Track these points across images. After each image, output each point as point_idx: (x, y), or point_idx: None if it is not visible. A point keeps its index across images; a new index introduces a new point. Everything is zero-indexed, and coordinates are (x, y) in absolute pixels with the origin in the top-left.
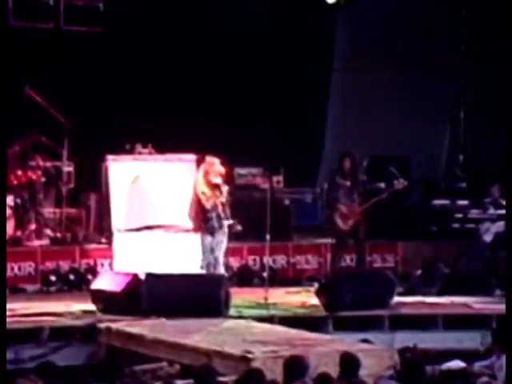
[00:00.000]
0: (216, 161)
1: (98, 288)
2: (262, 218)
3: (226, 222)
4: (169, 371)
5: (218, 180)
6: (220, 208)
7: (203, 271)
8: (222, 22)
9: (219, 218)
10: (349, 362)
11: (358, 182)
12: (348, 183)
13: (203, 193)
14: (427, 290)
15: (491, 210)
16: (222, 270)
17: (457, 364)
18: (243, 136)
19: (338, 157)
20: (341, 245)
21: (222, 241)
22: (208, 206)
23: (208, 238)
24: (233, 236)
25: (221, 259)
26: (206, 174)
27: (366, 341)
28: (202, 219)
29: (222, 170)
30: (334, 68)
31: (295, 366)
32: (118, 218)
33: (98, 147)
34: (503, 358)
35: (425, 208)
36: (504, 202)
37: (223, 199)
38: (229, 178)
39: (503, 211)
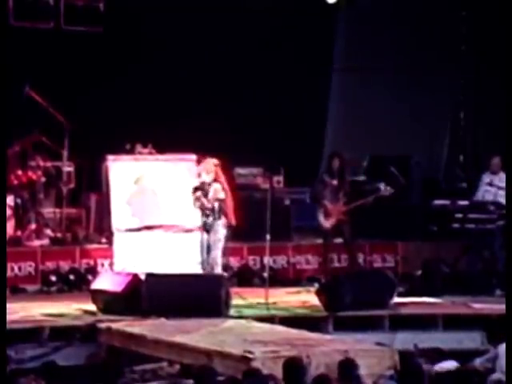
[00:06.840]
0: (209, 161)
1: (98, 288)
2: (262, 218)
3: (217, 221)
4: (169, 371)
5: (204, 179)
6: (208, 208)
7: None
8: (222, 22)
9: (207, 217)
10: (346, 367)
11: (344, 182)
12: (335, 182)
13: (191, 195)
14: (427, 290)
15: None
16: (219, 270)
17: (451, 364)
18: (243, 136)
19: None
20: (326, 244)
21: (218, 240)
22: (195, 207)
23: (203, 236)
24: (233, 236)
25: (219, 259)
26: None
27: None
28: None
29: (211, 167)
30: (333, 68)
31: (294, 368)
32: (118, 217)
33: (98, 147)
34: (500, 347)
35: (425, 208)
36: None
37: (215, 198)
38: (227, 177)
39: (503, 211)
